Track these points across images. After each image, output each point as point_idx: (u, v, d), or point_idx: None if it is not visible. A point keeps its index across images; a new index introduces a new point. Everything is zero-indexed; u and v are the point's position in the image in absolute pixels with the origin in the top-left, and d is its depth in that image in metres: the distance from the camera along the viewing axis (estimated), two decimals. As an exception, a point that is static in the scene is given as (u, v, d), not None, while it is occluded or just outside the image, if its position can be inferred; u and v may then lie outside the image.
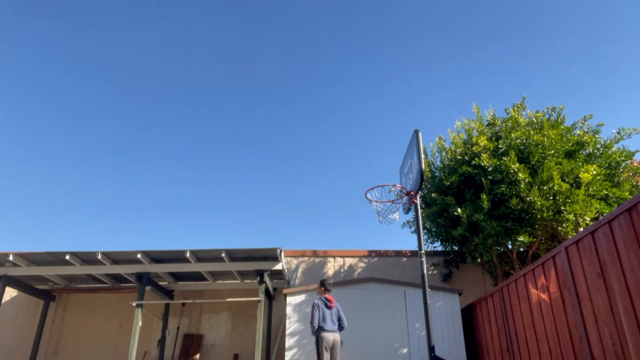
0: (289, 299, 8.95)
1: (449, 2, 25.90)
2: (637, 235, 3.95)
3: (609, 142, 8.86)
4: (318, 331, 6.62)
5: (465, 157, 9.26)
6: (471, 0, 25.56)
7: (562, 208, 7.94)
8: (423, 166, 6.54)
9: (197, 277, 10.79)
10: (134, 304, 8.93)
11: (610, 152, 8.77)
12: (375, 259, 11.82)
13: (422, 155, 6.67)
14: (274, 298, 11.07)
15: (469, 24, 26.76)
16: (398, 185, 7.87)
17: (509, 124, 9.20)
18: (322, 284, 7.10)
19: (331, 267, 11.73)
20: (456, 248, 10.74)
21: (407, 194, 7.27)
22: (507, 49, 26.95)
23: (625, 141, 9.25)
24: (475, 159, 8.82)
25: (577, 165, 8.31)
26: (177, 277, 10.89)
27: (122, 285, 11.20)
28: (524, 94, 10.02)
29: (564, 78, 28.87)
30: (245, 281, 11.01)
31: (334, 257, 11.88)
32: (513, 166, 8.10)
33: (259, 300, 8.79)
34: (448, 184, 9.14)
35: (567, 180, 8.26)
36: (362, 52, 28.50)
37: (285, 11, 26.37)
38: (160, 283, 10.75)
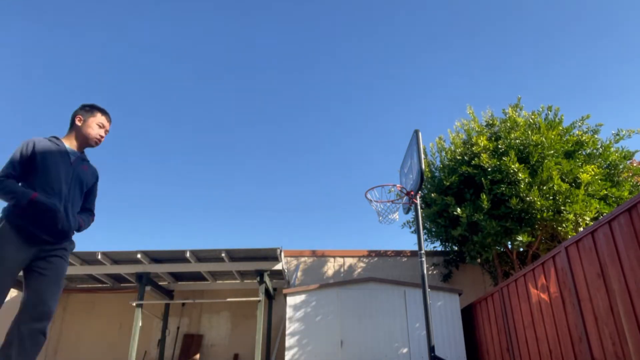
0: (289, 299, 8.95)
1: (450, 2, 25.91)
2: (637, 235, 3.96)
3: (608, 142, 8.88)
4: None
5: (465, 157, 9.27)
6: (472, 0, 25.58)
7: (562, 208, 7.95)
8: (423, 166, 6.53)
9: (197, 277, 10.79)
10: (134, 304, 8.93)
11: (609, 153, 8.79)
12: (375, 259, 11.83)
13: (422, 155, 6.66)
14: (274, 298, 11.08)
15: (469, 24, 26.78)
16: (398, 185, 7.87)
17: (508, 124, 9.21)
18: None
19: (331, 267, 11.74)
20: (456, 248, 10.75)
21: (407, 194, 7.27)
22: (507, 48, 26.98)
23: (624, 141, 9.28)
24: (475, 159, 8.83)
25: (576, 165, 8.33)
26: (177, 277, 10.89)
27: (122, 285, 11.20)
28: (523, 94, 10.06)
29: (564, 78, 28.91)
30: (245, 281, 11.01)
31: (333, 257, 11.89)
32: (513, 166, 8.11)
33: (259, 300, 8.80)
34: (448, 184, 9.15)
35: (566, 180, 8.27)
36: (362, 53, 28.52)
37: (285, 12, 26.38)
38: (160, 283, 10.75)
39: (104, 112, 3.27)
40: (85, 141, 3.14)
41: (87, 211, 3.18)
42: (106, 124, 3.27)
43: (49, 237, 2.73)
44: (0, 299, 2.72)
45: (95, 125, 3.16)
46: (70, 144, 3.08)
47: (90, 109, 3.19)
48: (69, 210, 2.87)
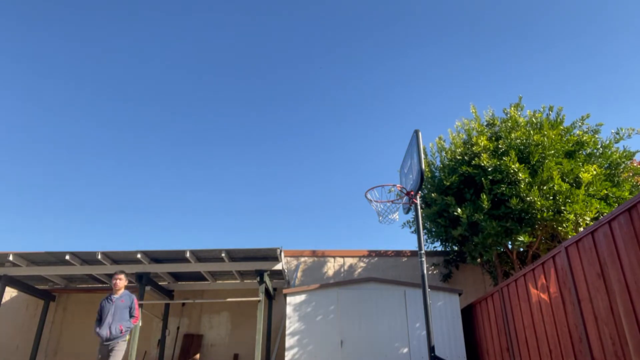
0: (289, 299, 8.95)
1: (449, 3, 25.90)
2: (637, 235, 3.95)
3: (608, 142, 8.87)
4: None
5: (465, 157, 9.26)
6: (471, 1, 25.57)
7: (562, 208, 7.94)
8: (423, 166, 6.53)
9: (197, 277, 10.79)
10: (134, 304, 8.93)
11: (610, 152, 8.78)
12: (375, 259, 11.82)
13: (422, 155, 6.66)
14: (274, 298, 11.07)
15: (469, 25, 26.77)
16: (398, 185, 7.87)
17: (509, 124, 9.20)
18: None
19: (331, 267, 11.73)
20: (456, 248, 10.73)
21: (407, 194, 7.26)
22: (507, 48, 26.97)
23: (625, 141, 9.26)
24: (475, 159, 8.82)
25: (577, 165, 8.31)
26: (177, 277, 10.89)
27: (122, 285, 11.19)
28: (524, 94, 10.15)
29: (564, 78, 28.89)
30: (245, 281, 11.00)
31: (334, 257, 11.88)
32: (513, 166, 8.10)
33: (259, 300, 8.79)
34: (448, 184, 9.14)
35: (567, 180, 8.26)
36: (362, 54, 28.51)
37: (289, 14, 26.37)
38: (160, 283, 10.75)
39: (114, 275, 6.80)
40: (114, 290, 6.65)
41: (131, 317, 6.51)
42: (116, 277, 6.77)
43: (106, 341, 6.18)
44: None
45: (113, 281, 6.73)
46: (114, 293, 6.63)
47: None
48: (112, 327, 6.21)
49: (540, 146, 8.40)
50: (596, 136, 9.00)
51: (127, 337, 6.40)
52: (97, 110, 26.68)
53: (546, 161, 8.19)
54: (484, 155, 8.46)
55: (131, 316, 6.53)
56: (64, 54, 25.04)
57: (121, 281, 6.69)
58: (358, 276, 11.51)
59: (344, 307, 8.82)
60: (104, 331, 6.16)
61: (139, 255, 8.89)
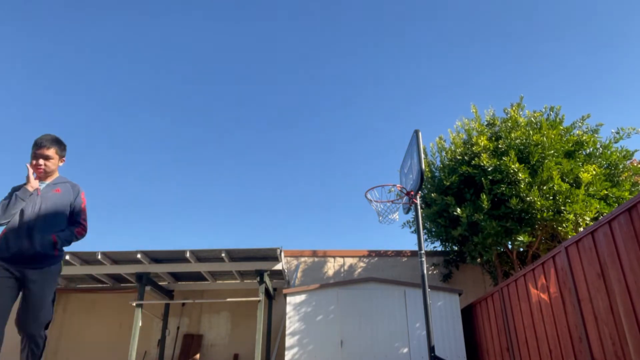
0: (289, 299, 8.95)
1: (449, 3, 25.91)
2: (637, 235, 3.95)
3: (608, 142, 8.89)
4: None
5: (465, 157, 9.27)
6: (471, 1, 25.58)
7: (562, 208, 7.94)
8: (423, 166, 6.54)
9: (197, 277, 10.79)
10: (134, 304, 8.94)
11: (609, 152, 8.79)
12: (375, 259, 11.83)
13: (422, 155, 6.66)
14: (274, 298, 11.08)
15: (468, 24, 26.78)
16: (398, 185, 7.88)
17: (509, 124, 9.21)
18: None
19: (331, 267, 11.74)
20: (456, 248, 10.75)
21: (407, 194, 7.27)
22: (506, 48, 26.97)
23: (624, 141, 9.28)
24: (475, 159, 8.83)
25: (576, 165, 8.33)
26: (177, 277, 10.90)
27: (122, 285, 11.20)
28: (524, 93, 10.08)
29: (563, 77, 28.90)
30: (245, 281, 11.01)
31: (334, 257, 11.89)
32: (513, 166, 8.11)
33: (259, 300, 8.80)
34: (448, 184, 9.15)
35: (567, 180, 8.27)
36: (362, 53, 28.52)
37: (286, 12, 26.39)
38: (160, 283, 10.75)
39: (34, 145, 3.32)
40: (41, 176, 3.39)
41: (75, 224, 3.47)
42: (38, 153, 3.32)
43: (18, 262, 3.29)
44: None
45: (32, 161, 3.33)
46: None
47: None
48: (34, 235, 3.20)
49: (540, 146, 8.41)
50: (596, 136, 9.02)
51: (62, 262, 3.53)
52: (97, 109, 26.70)
53: (546, 161, 8.20)
54: (484, 155, 8.47)
55: (75, 222, 3.45)
56: (65, 53, 25.04)
57: (51, 160, 3.34)
58: (358, 276, 11.52)
59: (344, 307, 8.83)
60: (21, 240, 3.14)
61: (139, 255, 8.89)
